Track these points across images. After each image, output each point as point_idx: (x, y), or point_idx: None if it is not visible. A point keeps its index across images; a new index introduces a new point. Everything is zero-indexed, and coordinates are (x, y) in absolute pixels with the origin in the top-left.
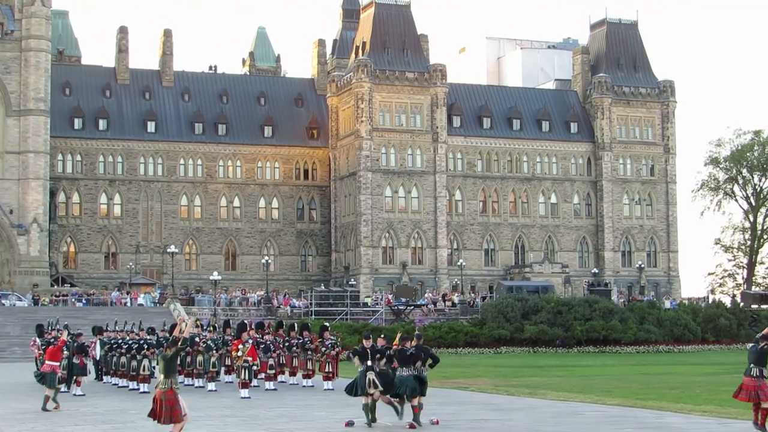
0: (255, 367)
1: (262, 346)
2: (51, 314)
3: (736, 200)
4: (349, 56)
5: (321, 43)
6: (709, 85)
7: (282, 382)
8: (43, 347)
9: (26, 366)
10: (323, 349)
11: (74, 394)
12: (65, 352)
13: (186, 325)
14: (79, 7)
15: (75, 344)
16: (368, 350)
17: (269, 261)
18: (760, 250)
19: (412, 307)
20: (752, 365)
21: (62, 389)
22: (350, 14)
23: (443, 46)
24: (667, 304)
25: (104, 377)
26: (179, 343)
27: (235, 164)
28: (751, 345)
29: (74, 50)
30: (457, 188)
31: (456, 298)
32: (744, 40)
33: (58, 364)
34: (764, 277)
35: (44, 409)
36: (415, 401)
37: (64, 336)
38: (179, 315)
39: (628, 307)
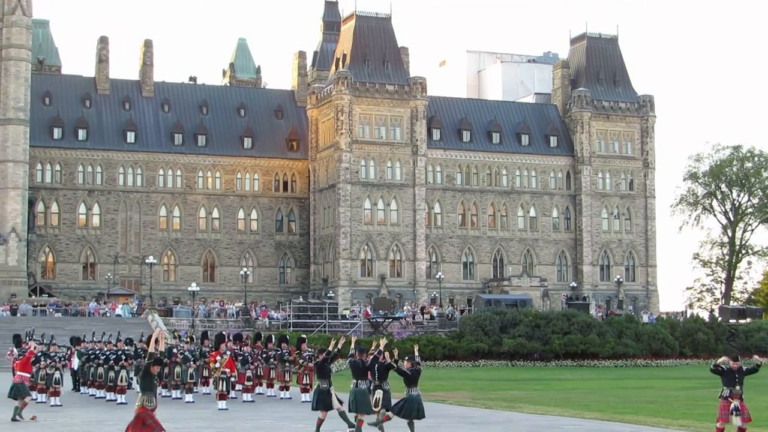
0: (233, 379)
1: (240, 357)
2: (29, 324)
3: (715, 215)
4: (329, 68)
5: (301, 54)
6: (689, 100)
7: (259, 393)
8: (20, 357)
9: (3, 376)
10: (301, 361)
11: (51, 405)
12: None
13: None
14: (59, 17)
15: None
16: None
17: (248, 272)
18: (738, 265)
19: (390, 320)
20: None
21: (36, 399)
22: (331, 26)
23: (423, 59)
24: (645, 318)
25: (82, 388)
26: (147, 359)
27: (214, 175)
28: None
29: (54, 60)
30: (436, 201)
31: (434, 311)
32: (723, 56)
33: (28, 375)
34: (742, 292)
35: (14, 419)
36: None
37: (32, 347)
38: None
39: (606, 321)
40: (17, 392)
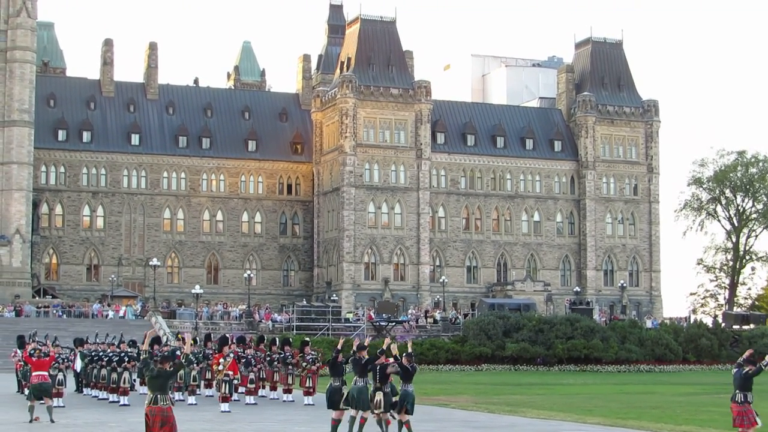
0: (236, 381)
1: (243, 360)
2: (33, 326)
3: (719, 220)
4: (334, 72)
5: (306, 58)
6: (693, 105)
7: (262, 396)
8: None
9: (8, 377)
10: (304, 363)
11: (54, 406)
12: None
13: (186, 340)
14: (64, 19)
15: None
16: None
17: (251, 275)
18: (742, 270)
19: (393, 324)
20: (737, 390)
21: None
22: (336, 30)
23: (428, 63)
24: (649, 324)
25: (84, 389)
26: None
27: (218, 178)
28: (735, 370)
29: (59, 62)
30: (440, 205)
31: (438, 315)
32: (728, 61)
33: (46, 373)
34: (746, 298)
35: (52, 420)
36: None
37: (50, 344)
38: (160, 328)
39: (609, 326)
40: (41, 391)
